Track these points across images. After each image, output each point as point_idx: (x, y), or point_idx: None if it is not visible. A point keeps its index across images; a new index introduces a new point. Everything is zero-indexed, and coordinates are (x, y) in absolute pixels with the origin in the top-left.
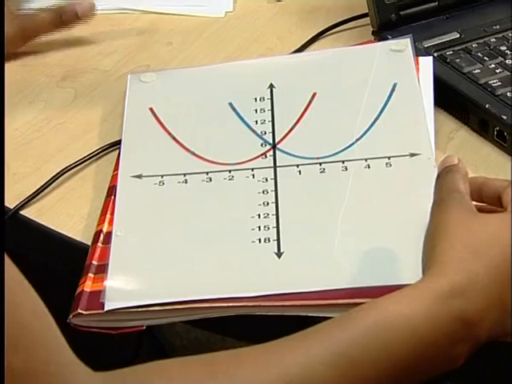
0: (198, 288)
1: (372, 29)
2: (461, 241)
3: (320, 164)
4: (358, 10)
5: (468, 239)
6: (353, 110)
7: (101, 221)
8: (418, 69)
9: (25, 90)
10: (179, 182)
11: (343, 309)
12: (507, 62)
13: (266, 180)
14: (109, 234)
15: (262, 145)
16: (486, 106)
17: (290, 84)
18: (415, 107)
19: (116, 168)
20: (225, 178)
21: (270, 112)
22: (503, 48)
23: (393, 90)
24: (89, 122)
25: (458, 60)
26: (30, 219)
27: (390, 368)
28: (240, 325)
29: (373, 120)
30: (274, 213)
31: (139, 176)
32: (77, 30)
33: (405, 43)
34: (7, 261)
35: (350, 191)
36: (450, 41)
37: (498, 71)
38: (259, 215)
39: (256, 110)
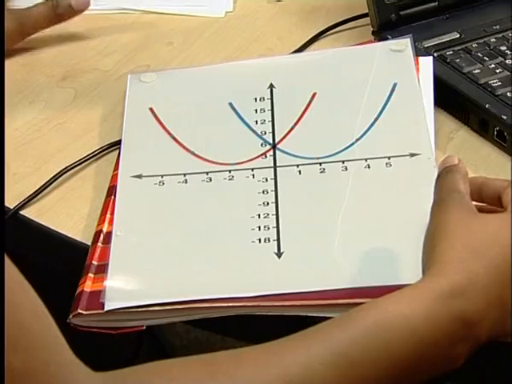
0: (197, 288)
1: (372, 29)
2: (461, 241)
3: (320, 164)
4: (358, 9)
5: (468, 239)
6: (353, 109)
7: (101, 221)
8: (418, 69)
9: (25, 90)
10: (179, 182)
11: (343, 309)
12: (507, 61)
13: (266, 180)
14: (109, 234)
15: (262, 145)
16: (486, 106)
17: (289, 84)
18: (415, 107)
19: (116, 168)
20: (225, 178)
21: (269, 112)
22: (503, 48)
23: (393, 90)
24: (89, 121)
25: (458, 60)
26: (29, 219)
27: (390, 368)
28: (240, 325)
29: (373, 120)
30: (274, 213)
31: (139, 176)
32: (77, 30)
33: (405, 43)
34: (7, 261)
35: (349, 191)
36: (450, 41)
37: (498, 71)
38: (259, 215)
39: (256, 110)
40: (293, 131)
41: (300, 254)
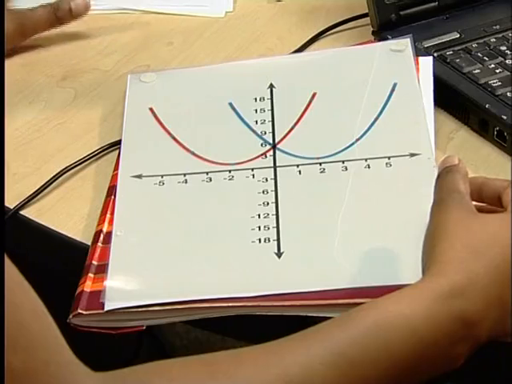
0: (197, 288)
1: (372, 29)
2: (461, 241)
3: (320, 164)
4: (358, 9)
5: (468, 239)
6: (353, 109)
7: (101, 221)
8: (418, 69)
9: (25, 90)
10: (179, 182)
11: (343, 309)
12: (507, 61)
13: (266, 180)
14: (109, 234)
15: (262, 145)
16: (486, 106)
17: (290, 84)
18: (415, 107)
19: (116, 168)
20: (225, 178)
21: (270, 112)
22: (503, 48)
23: (393, 90)
24: (89, 121)
25: (458, 60)
26: (29, 219)
27: (390, 368)
28: (240, 325)
29: (373, 120)
30: (274, 213)
31: (139, 176)
32: (77, 30)
33: (405, 43)
34: (7, 261)
35: (350, 191)
36: (450, 41)
37: (497, 71)
38: (259, 215)
39: (256, 110)
40: (293, 131)
41: (300, 254)
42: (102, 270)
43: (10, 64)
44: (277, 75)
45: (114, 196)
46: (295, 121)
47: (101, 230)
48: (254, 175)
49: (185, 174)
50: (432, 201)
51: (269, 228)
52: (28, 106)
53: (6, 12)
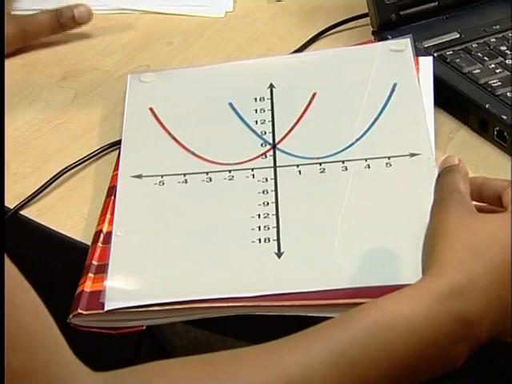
0: (197, 288)
1: (372, 29)
2: (461, 241)
3: (320, 164)
4: (358, 9)
5: (468, 239)
6: (353, 110)
7: (101, 221)
8: (418, 69)
9: (25, 90)
10: (179, 182)
11: (343, 309)
12: (507, 61)
13: (266, 180)
14: (109, 234)
15: (262, 145)
16: (486, 106)
17: (290, 84)
18: (415, 107)
19: (116, 168)
20: (225, 178)
21: (270, 112)
22: (503, 48)
23: (393, 90)
24: (89, 121)
25: (458, 60)
26: (30, 219)
27: (390, 368)
28: (240, 325)
29: (373, 120)
30: (274, 213)
31: (139, 176)
32: (77, 30)
33: (405, 43)
34: (7, 261)
35: (350, 191)
36: (450, 41)
37: (498, 71)
38: (259, 215)
39: (256, 110)
40: (293, 131)
41: (300, 254)
42: (102, 270)
43: (10, 64)
44: (277, 75)
45: (114, 196)
46: (295, 121)
47: (101, 230)
48: (254, 175)
49: (185, 174)
50: (432, 201)
51: (269, 228)
52: (28, 106)
53: (7, 16)
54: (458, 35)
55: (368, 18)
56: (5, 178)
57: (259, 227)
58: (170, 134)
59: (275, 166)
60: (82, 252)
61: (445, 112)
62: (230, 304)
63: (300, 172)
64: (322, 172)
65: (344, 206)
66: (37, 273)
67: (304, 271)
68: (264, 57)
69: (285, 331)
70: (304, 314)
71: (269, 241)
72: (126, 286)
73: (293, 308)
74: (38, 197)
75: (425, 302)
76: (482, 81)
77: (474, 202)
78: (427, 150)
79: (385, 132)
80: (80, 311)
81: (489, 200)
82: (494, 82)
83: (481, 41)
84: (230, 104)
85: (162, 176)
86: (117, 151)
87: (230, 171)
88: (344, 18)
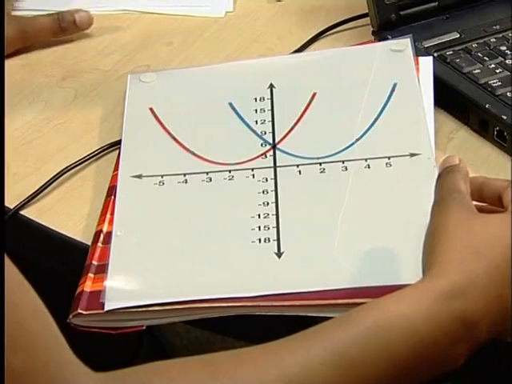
0: (197, 288)
1: (372, 29)
2: (461, 241)
3: (320, 164)
4: (358, 9)
5: (468, 239)
6: (353, 110)
7: (101, 221)
8: (418, 69)
9: (25, 90)
10: (179, 182)
11: (343, 309)
12: (507, 61)
13: (266, 180)
14: (109, 234)
15: (262, 145)
16: (486, 106)
17: (290, 84)
18: (415, 107)
19: (116, 168)
20: (225, 178)
21: (270, 112)
22: (503, 48)
23: (393, 90)
24: (89, 121)
25: (458, 60)
26: (30, 219)
27: (390, 368)
28: (240, 325)
29: (373, 120)
30: (274, 213)
31: (139, 176)
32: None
33: (405, 43)
34: (7, 261)
35: (350, 191)
36: (450, 41)
37: (498, 71)
38: (259, 215)
39: (256, 110)
40: (293, 131)
41: (300, 254)
42: (102, 270)
43: (10, 64)
44: (277, 75)
45: (114, 196)
46: (295, 121)
47: (101, 230)
48: (254, 175)
49: (185, 174)
50: (432, 201)
51: (269, 228)
52: (28, 106)
53: (7, 17)
54: (458, 35)
55: (368, 18)
56: (5, 178)
57: (259, 227)
58: (169, 134)
59: (275, 166)
60: (82, 252)
61: (445, 112)
62: (230, 304)
63: (300, 172)
64: (322, 172)
65: (344, 206)
66: (37, 273)
67: (304, 271)
68: (264, 57)
69: (285, 331)
70: (304, 313)
71: (269, 241)
72: (126, 286)
73: (293, 308)
74: (38, 197)
75: (425, 303)
76: (482, 81)
77: (475, 202)
78: (427, 150)
79: (385, 132)
80: (80, 311)
81: (489, 200)
82: (494, 82)
83: (481, 41)
84: (230, 104)
85: (162, 176)
86: (117, 151)
87: (230, 171)
88: (344, 18)
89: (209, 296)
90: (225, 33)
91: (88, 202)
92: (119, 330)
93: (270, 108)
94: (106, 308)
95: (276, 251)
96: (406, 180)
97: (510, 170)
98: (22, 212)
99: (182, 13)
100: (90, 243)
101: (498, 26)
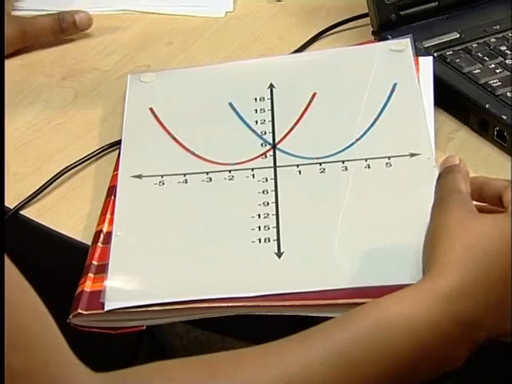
0: (197, 288)
1: (372, 29)
2: (461, 241)
3: (320, 164)
4: (358, 9)
5: (468, 240)
6: (353, 109)
7: (101, 221)
8: (418, 69)
9: (25, 90)
10: (179, 182)
11: (343, 309)
12: (507, 61)
13: (266, 180)
14: (109, 234)
15: (262, 145)
16: (486, 106)
17: (290, 84)
18: (415, 107)
19: (116, 168)
20: (225, 178)
21: (270, 112)
22: (503, 48)
23: (393, 90)
24: (89, 121)
25: (458, 60)
26: (30, 219)
27: (390, 368)
28: (240, 325)
29: (373, 120)
30: (274, 213)
31: (139, 176)
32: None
33: (405, 43)
34: (7, 261)
35: (350, 191)
36: (450, 41)
37: (498, 71)
38: (259, 215)
39: (256, 110)
40: (293, 131)
41: (300, 254)
42: (102, 270)
43: (10, 64)
44: (277, 75)
45: (114, 196)
46: (295, 121)
47: (101, 230)
48: (254, 175)
49: (185, 174)
50: (432, 201)
51: (269, 228)
52: (28, 106)
53: (7, 17)
54: (458, 35)
55: (368, 18)
56: (5, 178)
57: (259, 227)
58: (170, 134)
59: (275, 166)
60: (82, 252)
61: (445, 112)
62: (230, 304)
63: (300, 172)
64: (322, 172)
65: (344, 206)
66: (37, 273)
67: (304, 271)
68: (264, 57)
69: (285, 331)
70: (304, 313)
71: (269, 241)
72: (126, 286)
73: (293, 308)
74: (38, 197)
75: (425, 303)
76: (482, 81)
77: (475, 202)
78: (427, 149)
79: (385, 132)
80: (80, 311)
81: (489, 200)
82: (494, 82)
83: (481, 41)
84: (230, 104)
85: (162, 176)
86: (117, 151)
87: (230, 171)
88: (344, 18)
89: (209, 296)
90: (225, 33)
91: (88, 202)
92: (119, 329)
93: (270, 108)
94: (106, 308)
95: (276, 251)
96: (406, 180)
97: (510, 169)
98: (22, 212)
99: (181, 13)
100: (90, 243)
101: (498, 26)
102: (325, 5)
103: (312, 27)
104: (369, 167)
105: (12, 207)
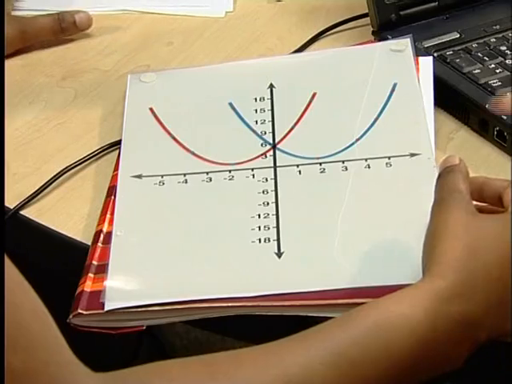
0: (197, 288)
1: (372, 29)
2: (461, 241)
3: (320, 164)
4: (358, 9)
5: (468, 240)
6: (353, 110)
7: (101, 221)
8: (418, 69)
9: (25, 89)
10: (179, 182)
11: (343, 309)
12: (507, 61)
13: (266, 180)
14: (109, 234)
15: (262, 145)
16: (486, 106)
17: (290, 84)
18: (415, 107)
19: (116, 168)
20: (225, 178)
21: (269, 112)
22: (503, 48)
23: (393, 90)
24: (89, 121)
25: (458, 60)
26: (30, 219)
27: (390, 368)
28: (240, 325)
29: (373, 120)
30: (274, 213)
31: (139, 176)
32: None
33: (405, 43)
34: (7, 261)
35: (350, 191)
36: (450, 41)
37: (498, 71)
38: (259, 215)
39: (256, 110)
40: (293, 131)
41: (300, 254)
42: (102, 269)
43: (10, 64)
44: (277, 75)
45: (114, 196)
46: (295, 121)
47: (101, 230)
48: (254, 175)
49: (185, 174)
50: (432, 201)
51: (269, 228)
52: (28, 106)
53: (7, 17)
54: (458, 35)
55: (368, 18)
56: (5, 178)
57: (259, 227)
58: (170, 134)
59: (275, 166)
60: (82, 252)
61: (445, 112)
62: (230, 304)
63: (300, 172)
64: (322, 172)
65: (344, 206)
66: (37, 273)
67: (304, 271)
68: (264, 57)
69: (285, 331)
70: (304, 313)
71: (269, 241)
72: (126, 286)
73: (293, 308)
74: (38, 197)
75: (425, 303)
76: (482, 81)
77: (475, 202)
78: (427, 149)
79: (385, 132)
80: (80, 311)
81: (489, 200)
82: (494, 82)
83: (481, 41)
84: (230, 104)
85: (162, 176)
86: (117, 151)
87: (230, 171)
88: (344, 18)
89: (209, 296)
90: (225, 33)
91: (88, 202)
92: (119, 329)
93: (270, 108)
94: (106, 308)
95: (276, 251)
96: (406, 180)
97: (510, 169)
98: (22, 212)
99: (181, 13)
100: (90, 243)
101: (498, 26)
102: (325, 5)
103: (312, 27)
104: (369, 167)
105: (12, 207)
